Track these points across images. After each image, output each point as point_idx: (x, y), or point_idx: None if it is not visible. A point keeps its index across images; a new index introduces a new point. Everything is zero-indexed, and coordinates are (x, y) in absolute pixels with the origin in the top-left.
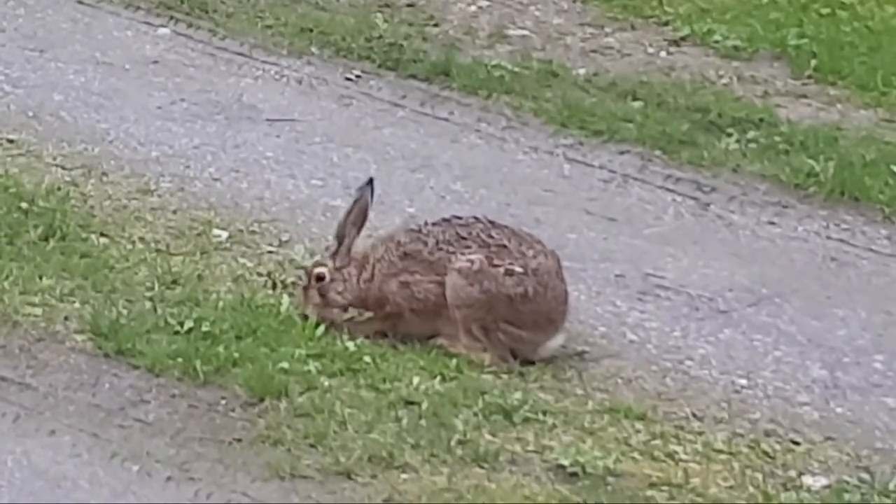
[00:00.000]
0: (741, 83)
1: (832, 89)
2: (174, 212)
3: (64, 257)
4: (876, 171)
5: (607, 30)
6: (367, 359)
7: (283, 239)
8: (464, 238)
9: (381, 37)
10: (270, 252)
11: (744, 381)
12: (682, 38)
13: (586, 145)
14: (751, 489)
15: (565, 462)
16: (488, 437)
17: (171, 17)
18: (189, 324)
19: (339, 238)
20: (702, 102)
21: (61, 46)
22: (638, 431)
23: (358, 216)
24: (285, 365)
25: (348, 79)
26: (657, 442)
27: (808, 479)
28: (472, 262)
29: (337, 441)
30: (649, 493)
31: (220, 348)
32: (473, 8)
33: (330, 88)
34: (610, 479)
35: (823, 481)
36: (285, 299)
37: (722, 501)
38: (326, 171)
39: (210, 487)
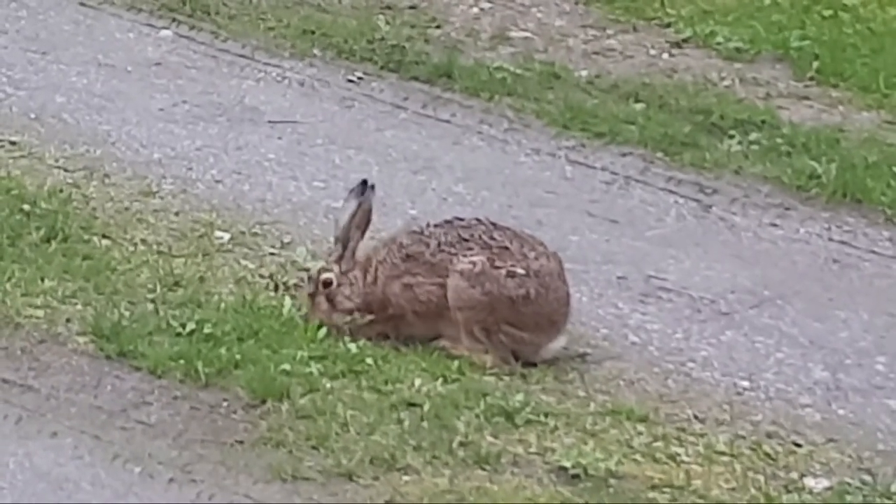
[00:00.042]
0: (743, 85)
1: (834, 91)
2: (176, 214)
3: (66, 259)
4: (878, 173)
5: (609, 32)
6: (368, 361)
7: (285, 241)
8: (466, 240)
9: (383, 39)
10: (272, 254)
11: (746, 383)
12: (685, 40)
13: (588, 147)
14: (752, 491)
15: (567, 464)
16: (490, 438)
17: (174, 20)
18: (191, 326)
19: (343, 242)
20: (704, 104)
21: (63, 48)
22: (640, 433)
23: (362, 220)
24: (287, 367)
25: (350, 81)
26: (659, 444)
27: (809, 481)
28: (473, 263)
29: (339, 443)
30: (651, 494)
31: (222, 350)
32: (475, 10)
33: (332, 90)
34: (612, 480)
35: (825, 483)
36: (287, 301)
37: (724, 503)
38: (328, 173)
39: (212, 489)
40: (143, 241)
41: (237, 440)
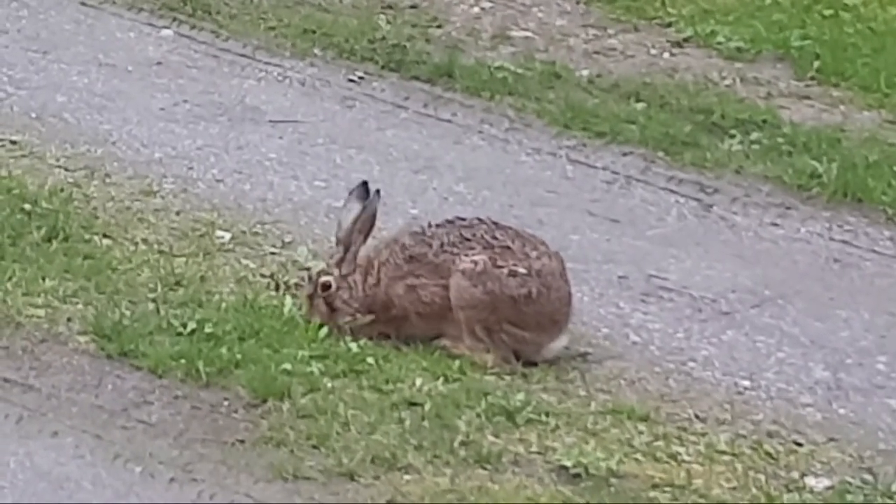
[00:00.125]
0: (744, 84)
1: (835, 91)
2: (177, 213)
3: (67, 259)
4: (879, 173)
5: (610, 31)
6: (369, 360)
7: (286, 240)
8: (468, 239)
9: (384, 38)
10: (273, 253)
11: (747, 383)
12: (685, 40)
13: (589, 147)
14: (753, 490)
15: (568, 463)
16: (491, 438)
17: (174, 19)
18: (192, 325)
19: (345, 245)
20: (705, 104)
21: (64, 48)
22: (641, 433)
23: (365, 223)
24: (288, 366)
25: (351, 80)
26: (660, 443)
27: (810, 481)
28: (475, 262)
29: (340, 442)
30: (652, 494)
31: (223, 350)
32: (476, 9)
33: (333, 90)
34: (613, 480)
35: (826, 482)
36: (288, 301)
37: (725, 502)
38: (329, 173)
39: (213, 488)
40: (144, 240)
41: (238, 439)
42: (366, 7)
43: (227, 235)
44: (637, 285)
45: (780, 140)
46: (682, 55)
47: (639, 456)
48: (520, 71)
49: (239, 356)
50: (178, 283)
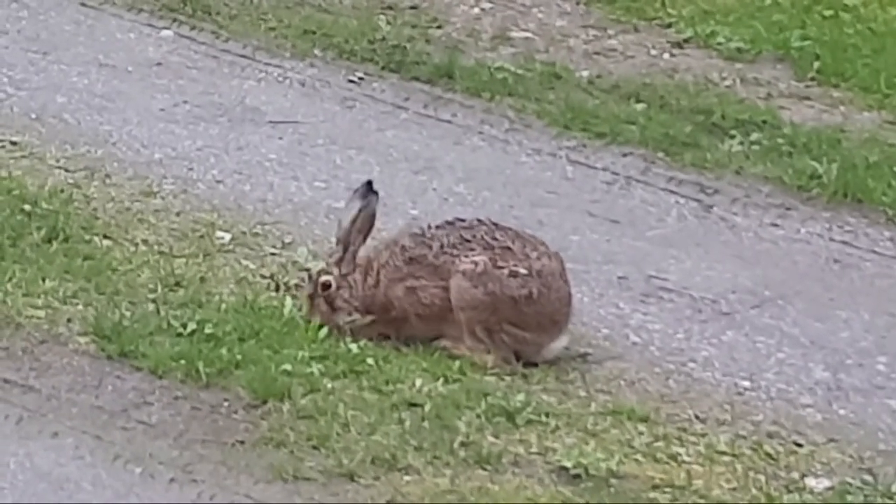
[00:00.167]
0: (744, 85)
1: (835, 91)
2: (177, 214)
3: (67, 259)
4: (879, 173)
5: (610, 32)
6: (369, 361)
7: (286, 241)
8: (468, 240)
9: (384, 39)
10: (273, 254)
11: (747, 383)
12: (685, 41)
13: (589, 147)
14: (753, 491)
15: (568, 464)
16: (491, 438)
17: (174, 20)
18: (192, 326)
19: (345, 245)
20: (705, 104)
21: (64, 49)
22: (641, 433)
23: (364, 223)
24: (288, 367)
25: (351, 81)
26: (660, 444)
27: (810, 481)
28: (476, 263)
29: (340, 443)
30: (652, 494)
31: (223, 350)
32: (476, 10)
33: (333, 90)
34: (613, 480)
35: (826, 483)
36: (288, 301)
37: (725, 503)
38: (329, 174)
39: (213, 489)
40: (144, 241)
41: (238, 440)
42: (366, 8)
43: (227, 236)
44: (637, 286)
45: (781, 141)
46: (682, 56)
47: (639, 457)
48: (520, 72)
49: (239, 357)
50: (178, 284)
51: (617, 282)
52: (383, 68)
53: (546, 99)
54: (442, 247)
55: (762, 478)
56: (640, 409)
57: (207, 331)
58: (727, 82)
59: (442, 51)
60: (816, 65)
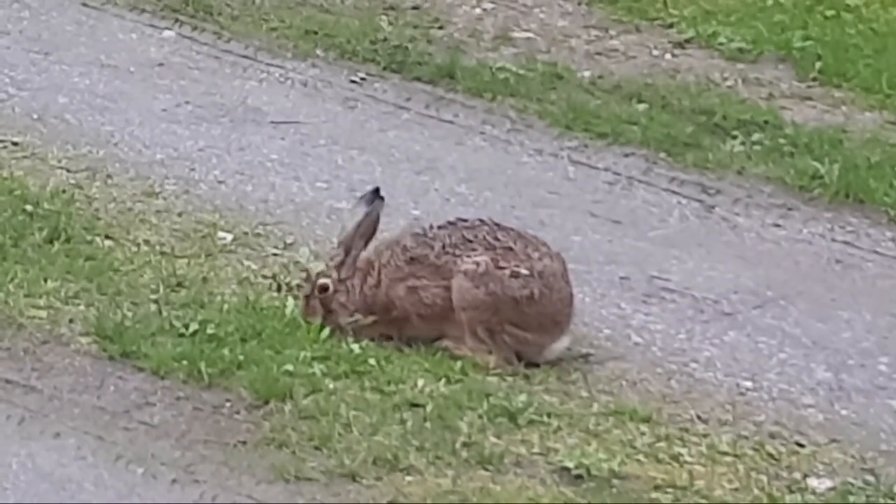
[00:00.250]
0: (746, 85)
1: (837, 91)
2: (179, 214)
3: (69, 260)
4: (881, 174)
5: (612, 32)
6: (371, 361)
7: (288, 241)
8: (469, 241)
9: (385, 39)
10: (275, 254)
11: (749, 384)
12: (687, 41)
13: (591, 147)
14: (756, 491)
15: (570, 464)
16: (493, 439)
17: (176, 20)
18: (194, 326)
19: (346, 248)
20: (706, 105)
21: (66, 49)
22: (643, 434)
23: (367, 229)
24: (290, 367)
25: (353, 81)
26: (662, 444)
27: (812, 482)
28: (477, 264)
29: (342, 443)
30: (654, 495)
31: (225, 351)
32: (478, 10)
33: (335, 91)
34: (615, 481)
35: (828, 483)
36: (290, 302)
37: (727, 503)
38: (331, 174)
39: (215, 490)
40: (146, 241)
41: (240, 441)
42: (368, 8)
43: (229, 236)
44: (639, 286)
45: (782, 141)
46: (683, 56)
47: (641, 457)
48: (521, 72)
49: (241, 357)
50: (179, 285)
51: (619, 282)
52: (385, 69)
53: (548, 99)
54: (444, 247)
55: (764, 478)
56: (641, 409)
57: (209, 331)
58: (729, 82)
59: (444, 51)
60: (818, 65)
